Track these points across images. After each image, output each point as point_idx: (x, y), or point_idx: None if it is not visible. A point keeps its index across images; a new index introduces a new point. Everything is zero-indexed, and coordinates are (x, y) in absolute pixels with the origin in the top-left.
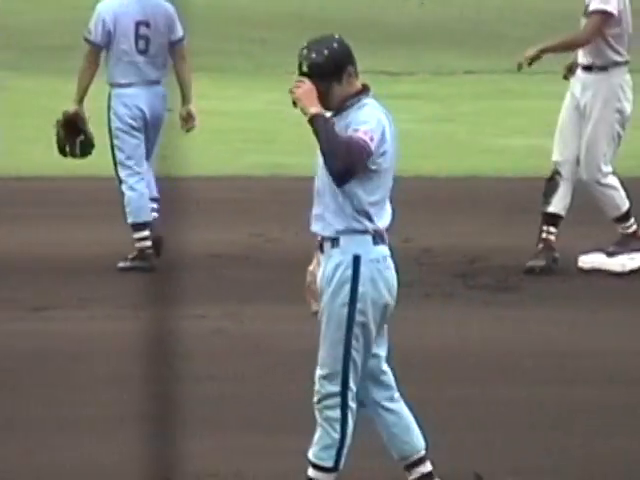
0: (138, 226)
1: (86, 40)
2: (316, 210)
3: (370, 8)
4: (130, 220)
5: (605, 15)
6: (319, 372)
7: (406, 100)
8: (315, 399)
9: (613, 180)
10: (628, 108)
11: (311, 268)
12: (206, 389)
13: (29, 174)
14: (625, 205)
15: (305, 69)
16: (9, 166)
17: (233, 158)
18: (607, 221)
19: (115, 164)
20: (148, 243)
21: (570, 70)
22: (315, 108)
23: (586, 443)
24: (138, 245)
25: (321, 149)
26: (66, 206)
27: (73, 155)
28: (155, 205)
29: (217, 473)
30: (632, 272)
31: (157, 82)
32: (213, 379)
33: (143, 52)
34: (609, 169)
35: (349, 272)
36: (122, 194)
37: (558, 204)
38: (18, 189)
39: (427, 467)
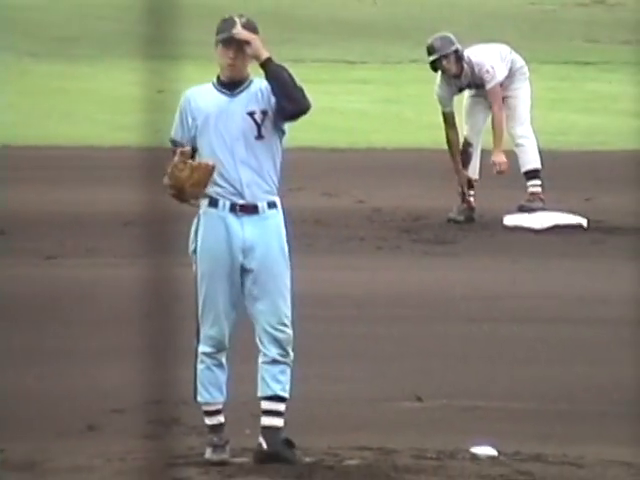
0: None
1: None
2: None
3: (331, 7)
4: None
5: (499, 83)
6: (285, 321)
7: (361, 84)
8: (285, 348)
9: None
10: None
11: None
12: (192, 325)
13: (44, 143)
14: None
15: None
16: (28, 136)
17: None
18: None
19: None
20: None
21: (470, 182)
22: (267, 53)
23: (509, 371)
24: None
25: (287, 85)
26: (75, 170)
27: None
28: None
29: None
30: (548, 229)
31: None
32: None
33: None
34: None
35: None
36: None
37: (473, 171)
38: (35, 156)
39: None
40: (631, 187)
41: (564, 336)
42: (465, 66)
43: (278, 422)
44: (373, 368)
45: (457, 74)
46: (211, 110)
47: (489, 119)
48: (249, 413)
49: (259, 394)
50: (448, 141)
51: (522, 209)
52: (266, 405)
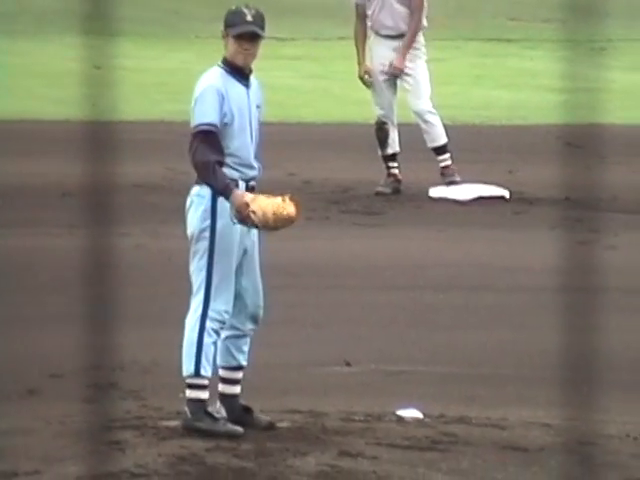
0: None
1: None
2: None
3: None
4: None
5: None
6: (260, 303)
7: (291, 61)
8: (258, 324)
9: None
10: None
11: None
12: (128, 291)
13: None
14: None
15: (257, 29)
16: None
17: (152, 106)
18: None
19: None
20: None
21: (368, 74)
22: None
23: (434, 337)
24: None
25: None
26: (14, 143)
27: None
28: None
29: (137, 361)
30: (472, 200)
31: None
32: (134, 284)
33: None
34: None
35: None
36: None
37: (393, 145)
38: None
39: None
40: (551, 160)
41: (487, 303)
42: None
43: (237, 390)
44: (303, 334)
45: None
46: (241, 101)
47: (398, 93)
48: (182, 377)
49: (221, 363)
50: (355, 31)
51: (450, 183)
52: (227, 374)
